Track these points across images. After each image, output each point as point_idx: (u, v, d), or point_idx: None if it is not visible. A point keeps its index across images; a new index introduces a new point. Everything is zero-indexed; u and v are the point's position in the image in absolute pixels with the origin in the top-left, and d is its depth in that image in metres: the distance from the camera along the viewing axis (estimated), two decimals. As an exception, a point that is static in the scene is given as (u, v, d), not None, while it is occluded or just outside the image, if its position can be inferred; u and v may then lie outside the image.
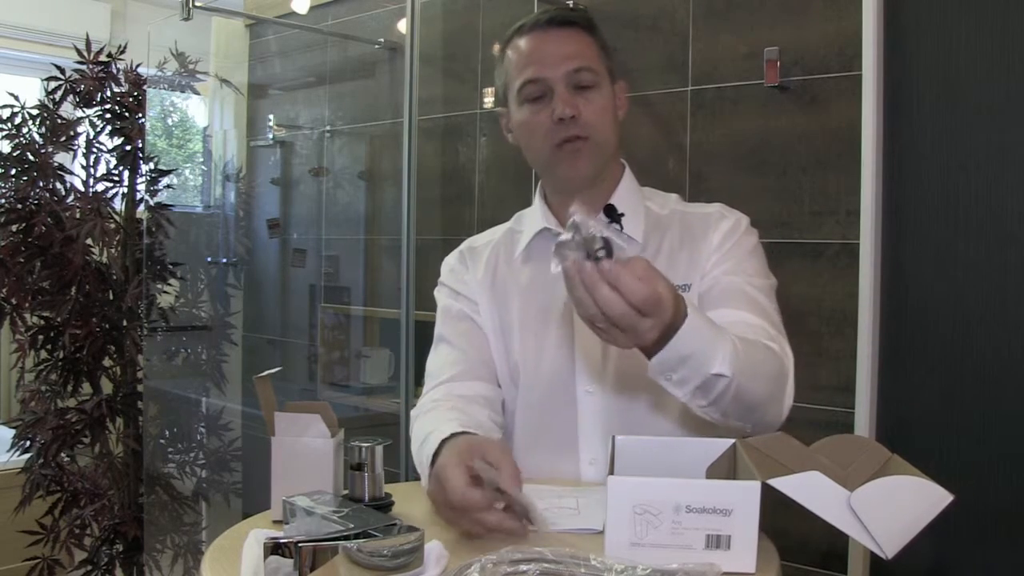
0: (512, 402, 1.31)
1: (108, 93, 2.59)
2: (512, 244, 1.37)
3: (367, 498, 1.09)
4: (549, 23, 1.25)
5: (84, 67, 2.56)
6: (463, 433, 1.09)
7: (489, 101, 2.49)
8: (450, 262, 1.41)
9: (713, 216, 1.29)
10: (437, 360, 1.34)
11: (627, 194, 1.31)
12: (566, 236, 0.85)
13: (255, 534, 0.93)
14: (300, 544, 0.80)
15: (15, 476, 2.58)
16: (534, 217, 1.35)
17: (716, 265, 1.24)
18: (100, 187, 2.60)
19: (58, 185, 2.52)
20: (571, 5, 2.21)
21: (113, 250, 2.55)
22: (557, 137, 1.24)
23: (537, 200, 1.36)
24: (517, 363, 1.30)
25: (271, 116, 3.15)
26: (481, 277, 1.36)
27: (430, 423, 1.16)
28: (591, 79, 1.24)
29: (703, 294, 1.23)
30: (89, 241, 2.49)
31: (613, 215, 1.28)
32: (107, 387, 2.61)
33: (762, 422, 1.08)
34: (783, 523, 1.01)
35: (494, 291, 1.34)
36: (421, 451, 1.15)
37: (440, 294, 1.40)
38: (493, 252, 1.38)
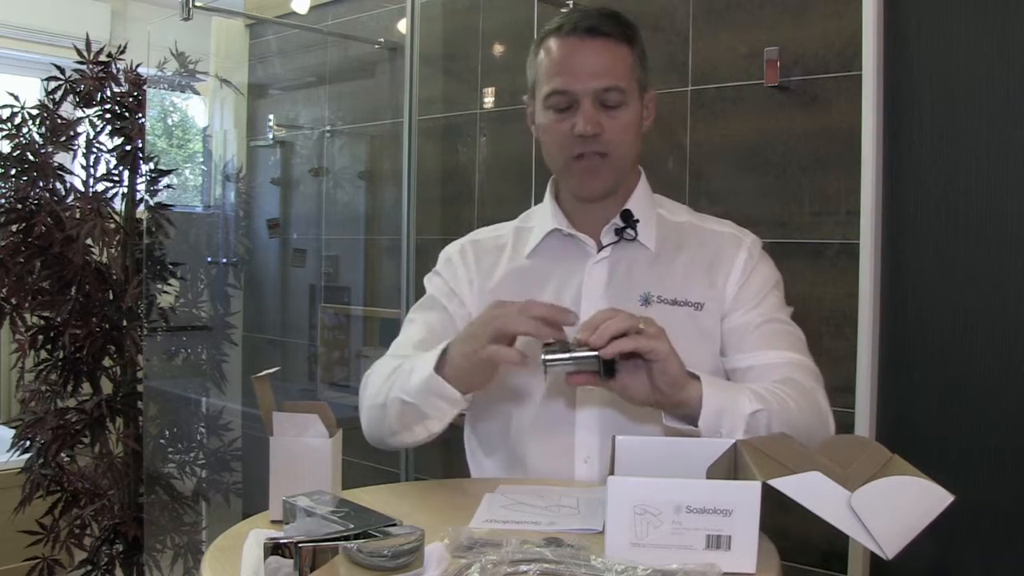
0: (511, 397, 1.31)
1: (108, 93, 2.58)
2: (520, 241, 1.37)
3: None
4: (587, 32, 1.24)
5: (84, 67, 2.56)
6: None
7: (489, 101, 2.49)
8: (449, 251, 1.41)
9: (729, 241, 1.31)
10: (402, 338, 1.33)
11: (641, 201, 1.32)
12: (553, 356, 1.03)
13: (255, 534, 0.93)
14: (300, 544, 0.80)
15: (15, 476, 2.58)
16: (544, 216, 1.35)
17: (744, 304, 1.26)
18: (100, 187, 2.60)
19: (58, 185, 2.52)
20: (571, 5, 2.20)
21: (113, 250, 2.55)
22: (575, 150, 1.25)
23: (548, 198, 1.36)
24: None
25: (271, 116, 3.14)
26: (477, 275, 1.35)
27: (405, 363, 1.19)
28: (618, 99, 1.23)
29: (737, 336, 1.25)
30: (89, 241, 2.49)
31: (629, 220, 1.29)
32: (107, 387, 2.61)
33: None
34: (783, 523, 1.01)
35: (497, 288, 1.33)
36: (412, 373, 1.15)
37: (429, 282, 1.40)
38: (497, 251, 1.37)
